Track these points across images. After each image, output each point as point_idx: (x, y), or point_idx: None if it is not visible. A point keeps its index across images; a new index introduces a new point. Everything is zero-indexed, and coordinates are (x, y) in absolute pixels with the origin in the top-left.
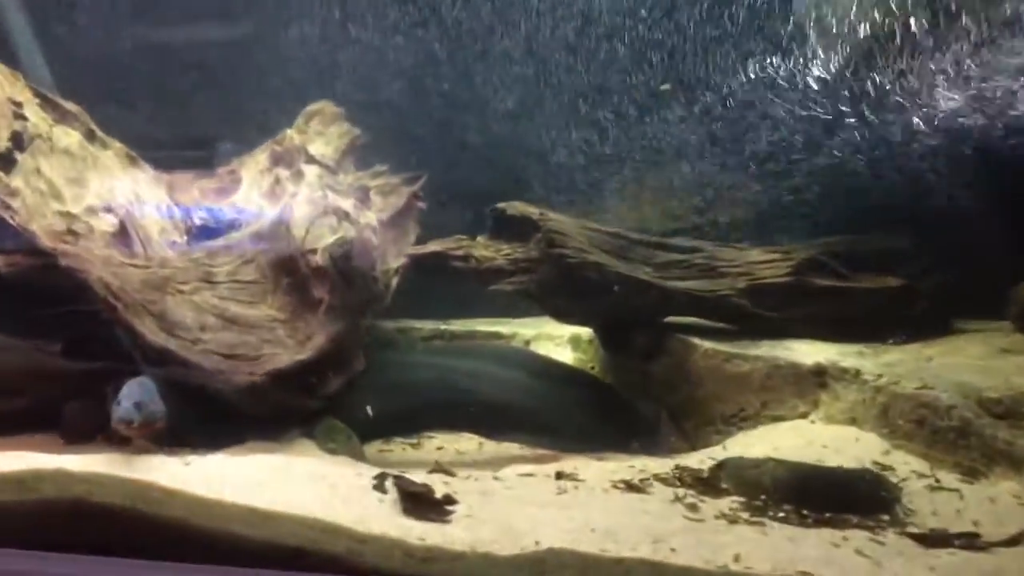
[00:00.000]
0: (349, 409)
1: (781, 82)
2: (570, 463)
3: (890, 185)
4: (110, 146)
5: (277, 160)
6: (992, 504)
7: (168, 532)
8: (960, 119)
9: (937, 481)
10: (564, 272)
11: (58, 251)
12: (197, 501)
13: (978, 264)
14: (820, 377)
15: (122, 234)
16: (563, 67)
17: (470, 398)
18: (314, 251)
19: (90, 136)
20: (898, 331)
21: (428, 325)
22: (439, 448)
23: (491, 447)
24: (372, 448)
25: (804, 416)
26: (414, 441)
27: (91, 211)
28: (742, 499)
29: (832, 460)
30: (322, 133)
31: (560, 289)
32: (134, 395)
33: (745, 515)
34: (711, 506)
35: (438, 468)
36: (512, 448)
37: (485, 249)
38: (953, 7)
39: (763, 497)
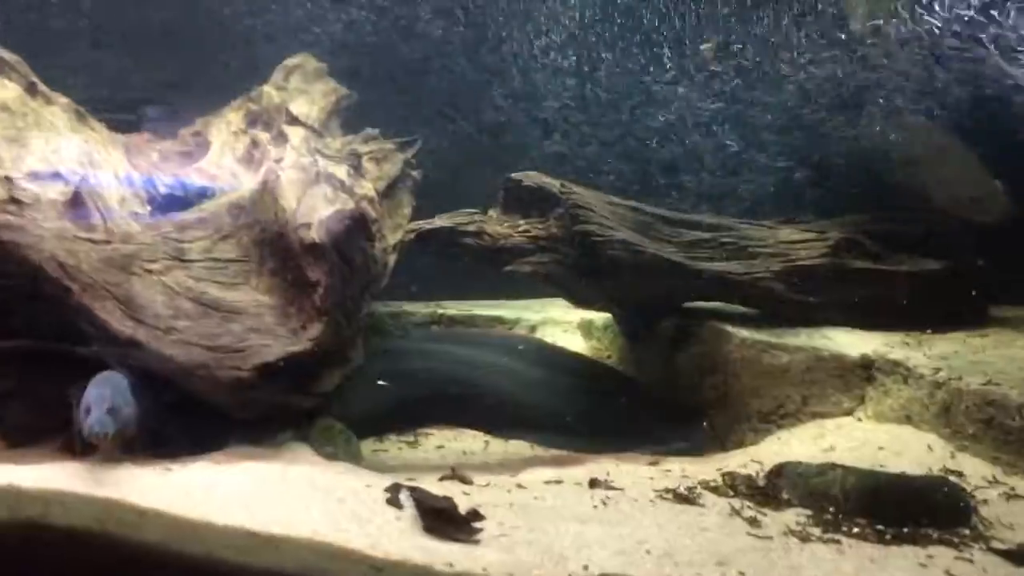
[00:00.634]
0: (344, 405)
1: None
2: (598, 467)
3: None
4: (55, 101)
5: (253, 120)
6: None
7: (144, 560)
8: None
9: (1012, 489)
10: (589, 252)
11: None
12: (179, 522)
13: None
14: (867, 370)
15: (76, 204)
16: None
17: (475, 391)
18: (307, 225)
19: (31, 90)
20: (938, 318)
21: (421, 309)
22: (439, 447)
23: (497, 446)
24: (365, 447)
25: (849, 413)
26: (410, 439)
27: (35, 177)
28: (807, 511)
29: (894, 465)
30: (304, 91)
31: (583, 271)
32: (105, 398)
33: (816, 531)
34: (774, 520)
35: (453, 475)
36: (523, 447)
37: (499, 225)
38: None
39: (832, 509)
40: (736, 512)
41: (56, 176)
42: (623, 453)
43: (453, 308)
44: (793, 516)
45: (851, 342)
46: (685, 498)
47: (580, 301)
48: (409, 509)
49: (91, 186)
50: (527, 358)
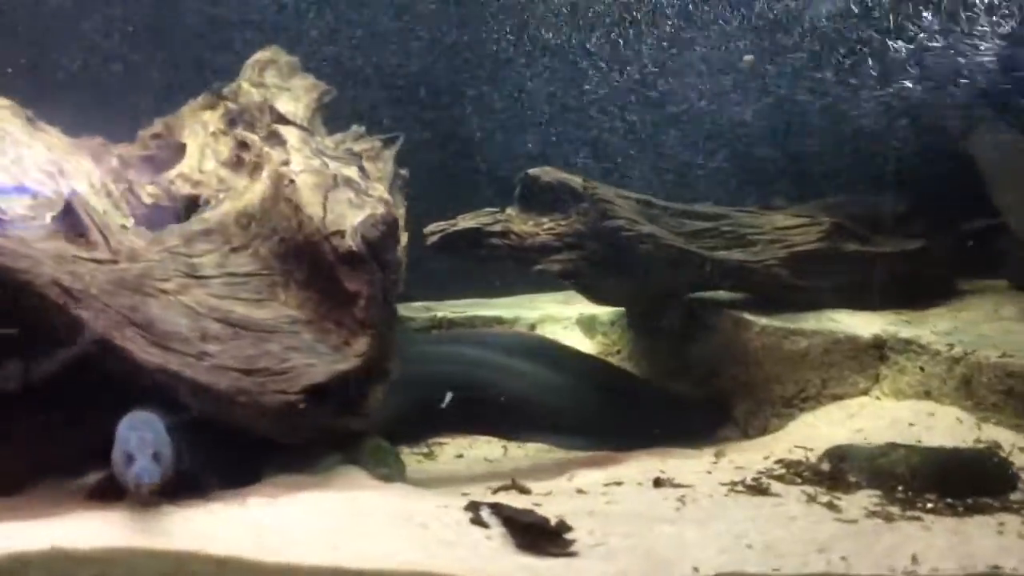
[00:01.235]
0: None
1: None
2: (644, 464)
3: None
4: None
5: (233, 120)
6: None
7: None
8: None
9: None
10: (617, 247)
11: None
12: (266, 568)
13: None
14: (879, 350)
15: (69, 219)
16: None
17: (489, 395)
18: (340, 233)
19: None
20: (916, 296)
21: (419, 313)
22: (458, 456)
23: (515, 451)
24: None
25: (865, 393)
26: (425, 450)
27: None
28: (877, 492)
29: (928, 440)
30: (285, 87)
31: (609, 266)
32: (147, 442)
33: (894, 510)
34: (850, 503)
35: (513, 485)
36: (543, 451)
37: (524, 223)
38: None
39: (900, 488)
40: (812, 499)
41: (21, 190)
42: (651, 449)
43: (444, 310)
44: (866, 498)
45: (858, 323)
46: (758, 489)
47: (599, 298)
48: (495, 527)
49: (83, 199)
50: (539, 358)
